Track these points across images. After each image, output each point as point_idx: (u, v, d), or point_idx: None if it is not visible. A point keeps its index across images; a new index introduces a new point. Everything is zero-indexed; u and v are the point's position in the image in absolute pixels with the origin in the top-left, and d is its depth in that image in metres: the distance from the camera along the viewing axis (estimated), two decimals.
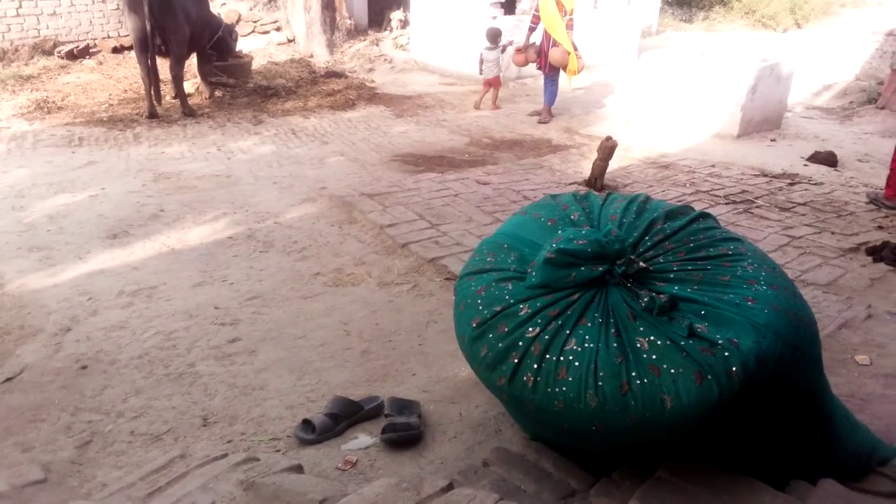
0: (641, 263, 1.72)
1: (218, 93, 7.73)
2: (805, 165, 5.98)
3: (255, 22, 10.43)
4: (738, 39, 12.85)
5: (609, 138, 5.01)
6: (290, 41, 10.24)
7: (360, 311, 3.34)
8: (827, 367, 2.26)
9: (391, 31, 10.96)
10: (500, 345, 1.71)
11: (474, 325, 1.78)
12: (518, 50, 7.53)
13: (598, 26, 10.31)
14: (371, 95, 8.36)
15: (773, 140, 6.82)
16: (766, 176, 5.60)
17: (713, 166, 5.82)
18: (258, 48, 9.93)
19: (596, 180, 5.04)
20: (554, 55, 7.20)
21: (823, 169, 5.89)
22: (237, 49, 8.36)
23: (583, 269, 1.72)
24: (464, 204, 4.69)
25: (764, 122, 7.01)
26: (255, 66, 8.80)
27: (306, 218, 4.50)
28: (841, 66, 10.11)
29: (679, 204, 2.06)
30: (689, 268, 1.79)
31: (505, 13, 9.03)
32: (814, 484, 1.79)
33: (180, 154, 5.86)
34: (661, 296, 1.64)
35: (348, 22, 10.58)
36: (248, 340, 3.07)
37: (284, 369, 2.85)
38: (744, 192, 5.16)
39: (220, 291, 3.53)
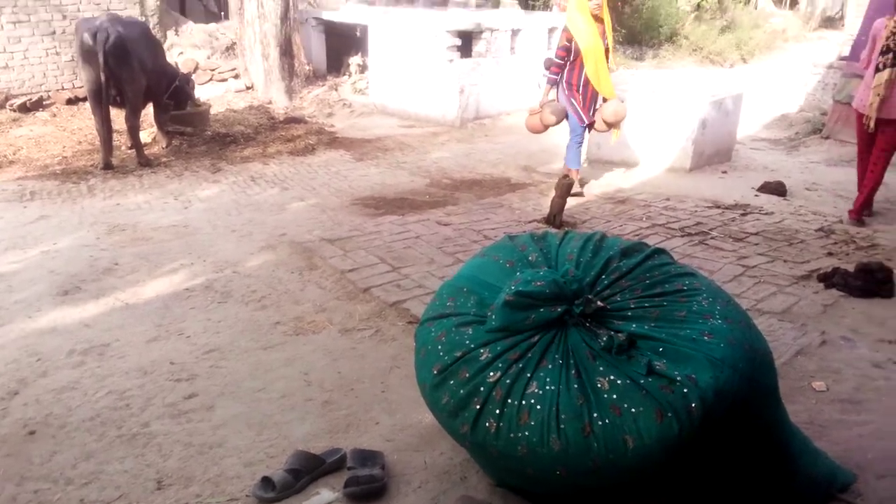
0: (599, 303, 1.73)
1: (175, 142, 7.67)
2: (756, 196, 6.14)
3: (213, 70, 10.43)
4: (687, 75, 13.26)
5: (566, 176, 5.09)
6: (248, 88, 10.25)
7: (321, 360, 3.28)
8: (785, 394, 2.29)
9: (350, 75, 11.06)
10: (462, 391, 1.69)
11: (435, 371, 1.76)
12: (532, 111, 5.91)
13: None
14: (331, 140, 8.37)
15: (724, 172, 7.00)
16: (719, 207, 5.73)
17: (668, 199, 5.93)
18: (216, 96, 9.92)
19: (555, 217, 5.09)
20: (611, 111, 5.66)
21: (773, 198, 6.05)
22: (196, 97, 8.34)
23: (542, 310, 1.72)
24: (425, 246, 4.69)
25: (715, 155, 7.20)
26: (213, 113, 8.77)
27: (266, 266, 4.44)
28: (786, 99, 10.50)
29: (634, 241, 2.08)
30: (646, 304, 1.80)
31: (461, 56, 9.20)
32: None
33: (136, 205, 5.76)
34: (620, 334, 1.65)
35: (307, 68, 10.65)
36: (205, 396, 2.98)
37: (243, 424, 2.77)
38: (698, 224, 5.26)
39: (177, 346, 3.44)
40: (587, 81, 5.66)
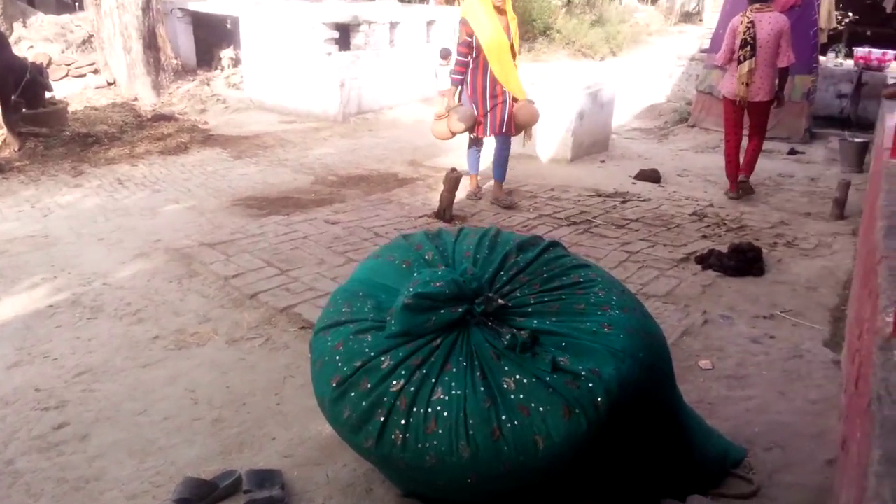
0: (500, 300, 1.68)
1: (29, 143, 7.00)
2: (633, 183, 6.39)
3: (69, 65, 9.64)
4: (562, 68, 13.69)
5: (454, 169, 5.07)
6: (110, 84, 9.56)
7: (207, 375, 3.07)
8: (676, 376, 2.36)
9: (222, 69, 10.57)
10: (364, 403, 1.60)
11: (334, 384, 1.66)
12: (438, 116, 5.38)
13: (432, 59, 10.56)
14: (205, 138, 7.95)
15: (602, 161, 7.26)
16: (600, 196, 5.92)
17: (552, 190, 6.07)
18: (74, 93, 9.17)
19: (444, 211, 5.07)
20: (524, 114, 5.32)
21: (649, 185, 6.33)
22: (51, 94, 7.66)
23: (442, 311, 1.66)
24: (314, 246, 4.53)
25: (593, 146, 7.45)
26: (71, 111, 8.10)
27: (140, 275, 4.12)
28: (654, 90, 11.06)
29: (529, 235, 2.06)
30: (546, 299, 1.78)
31: (340, 49, 9.00)
32: (682, 501, 1.83)
33: None
34: (523, 332, 1.61)
35: (175, 62, 10.07)
36: (77, 424, 2.71)
37: (123, 453, 2.54)
38: (582, 212, 5.41)
39: (42, 370, 3.11)
40: (494, 81, 5.19)
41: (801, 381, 2.92)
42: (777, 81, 5.69)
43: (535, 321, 1.70)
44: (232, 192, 5.93)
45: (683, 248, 4.60)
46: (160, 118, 8.43)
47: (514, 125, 5.41)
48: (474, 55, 5.13)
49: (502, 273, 1.83)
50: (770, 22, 5.53)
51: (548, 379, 1.54)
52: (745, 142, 5.96)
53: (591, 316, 1.72)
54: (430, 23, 10.45)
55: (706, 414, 2.61)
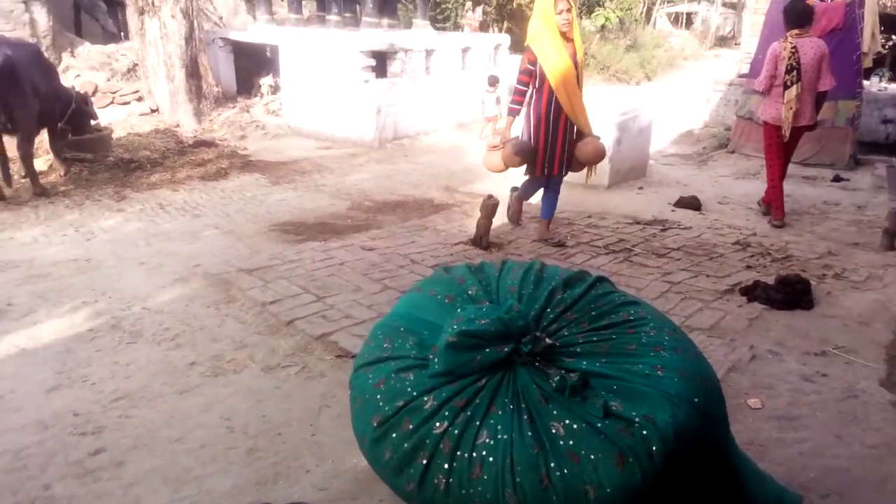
0: (548, 340, 1.62)
1: (74, 169, 7.18)
2: (672, 211, 6.28)
3: (114, 93, 9.91)
4: (597, 93, 13.64)
5: (490, 196, 5.03)
6: (153, 111, 9.79)
7: (243, 403, 3.05)
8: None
9: (262, 97, 10.76)
10: (406, 445, 1.55)
11: (375, 424, 1.61)
12: (490, 147, 5.14)
13: (467, 86, 10.61)
14: (244, 163, 8.06)
15: (640, 188, 7.16)
16: (639, 223, 5.82)
17: (590, 217, 5.99)
18: (119, 120, 9.40)
19: (481, 238, 5.03)
20: (590, 150, 4.99)
21: (689, 213, 6.21)
22: (96, 121, 7.86)
23: (488, 350, 1.60)
24: (350, 273, 4.51)
25: (630, 172, 7.36)
26: (115, 138, 8.30)
27: (179, 300, 4.15)
28: (691, 115, 10.94)
29: (575, 269, 2.00)
30: (595, 339, 1.71)
31: (377, 76, 9.09)
32: None
33: (32, 238, 5.31)
34: (572, 374, 1.55)
35: (216, 89, 10.28)
36: (114, 450, 2.70)
37: (159, 481, 2.52)
38: (621, 240, 5.32)
39: (81, 394, 3.12)
40: (559, 113, 4.82)
41: (858, 424, 2.78)
42: (816, 107, 5.77)
43: (585, 362, 1.63)
44: (270, 218, 5.97)
45: (727, 279, 4.48)
46: (201, 144, 8.58)
47: (576, 162, 5.09)
48: (537, 85, 4.78)
49: (549, 310, 1.77)
50: (812, 47, 5.56)
51: (599, 425, 1.47)
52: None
53: (643, 357, 1.65)
54: (464, 50, 10.52)
55: (757, 457, 2.50)
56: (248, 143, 9.12)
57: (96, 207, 6.18)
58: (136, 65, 10.07)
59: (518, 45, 15.19)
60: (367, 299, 4.08)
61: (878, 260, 4.88)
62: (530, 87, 4.83)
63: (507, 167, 5.11)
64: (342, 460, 2.63)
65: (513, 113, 4.96)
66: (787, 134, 5.69)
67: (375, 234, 5.46)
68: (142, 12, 9.16)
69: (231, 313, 3.97)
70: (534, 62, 4.74)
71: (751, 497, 2.04)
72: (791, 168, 7.93)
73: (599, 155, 5.07)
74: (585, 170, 5.27)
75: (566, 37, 4.68)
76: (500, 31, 15.43)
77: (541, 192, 5.36)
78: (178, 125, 9.38)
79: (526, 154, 4.93)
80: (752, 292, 4.15)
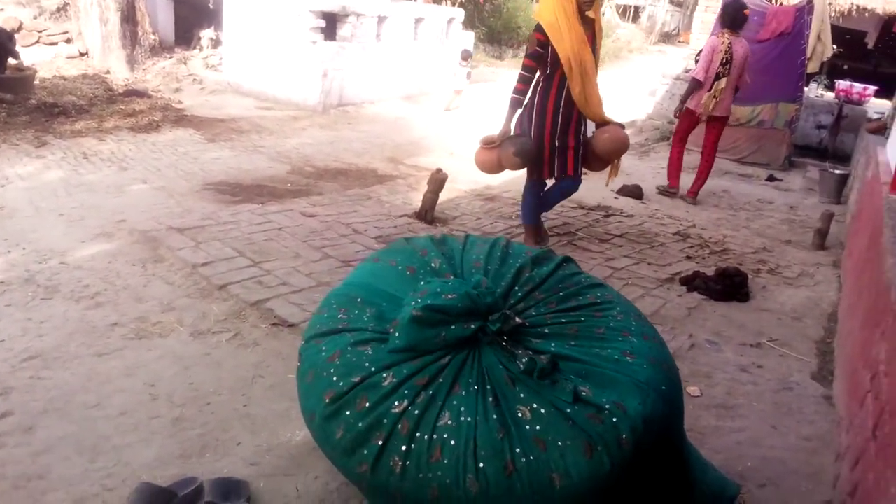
0: (517, 319, 1.53)
1: None
2: (615, 198, 6.31)
3: (41, 32, 9.21)
4: None
5: (439, 170, 4.91)
6: (82, 55, 9.16)
7: (169, 369, 2.85)
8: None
9: (201, 49, 10.24)
10: (361, 424, 1.43)
11: (327, 399, 1.48)
12: (485, 144, 4.31)
13: (418, 57, 10.40)
14: (179, 117, 7.64)
15: (584, 173, 7.14)
16: (583, 208, 5.81)
17: None
18: (44, 61, 8.76)
19: (427, 213, 4.91)
20: (611, 140, 4.31)
21: (632, 201, 6.25)
22: (19, 57, 7.27)
23: (453, 327, 1.49)
24: (289, 238, 4.32)
25: None
26: (39, 80, 7.72)
27: (101, 256, 3.86)
28: (634, 106, 11.05)
29: (540, 248, 1.91)
30: (563, 320, 1.63)
31: (325, 38, 8.77)
32: None
33: None
34: (542, 356, 1.46)
35: (152, 37, 9.71)
36: (22, 414, 2.47)
37: (72, 449, 2.31)
38: (565, 224, 5.30)
39: None
40: (570, 106, 4.13)
41: (793, 416, 2.83)
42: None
43: (553, 344, 1.54)
44: (204, 176, 5.67)
45: (668, 268, 4.51)
46: (132, 94, 8.09)
47: (595, 157, 4.42)
48: (548, 71, 4.05)
49: (517, 288, 1.68)
50: (742, 47, 5.96)
51: (568, 410, 1.39)
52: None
53: (611, 342, 1.58)
54: (418, 20, 10.28)
55: (697, 443, 2.49)
56: (184, 97, 8.66)
57: (13, 152, 5.72)
58: (66, 4, 9.39)
59: (471, 22, 15.03)
60: (307, 267, 3.91)
61: (809, 258, 5.03)
62: (537, 73, 4.11)
63: (503, 169, 4.34)
64: (276, 434, 2.48)
65: (515, 104, 4.15)
66: (703, 118, 6.18)
67: (316, 200, 5.25)
68: None
69: (158, 273, 3.72)
70: (544, 44, 3.98)
71: (698, 486, 2.03)
72: (729, 165, 8.16)
73: (620, 145, 4.33)
74: (609, 169, 4.61)
75: (585, 16, 4.00)
76: (455, 5, 15.21)
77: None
78: (108, 72, 8.82)
79: (528, 155, 4.15)
80: (692, 282, 4.19)
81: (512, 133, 4.25)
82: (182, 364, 2.90)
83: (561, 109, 4.13)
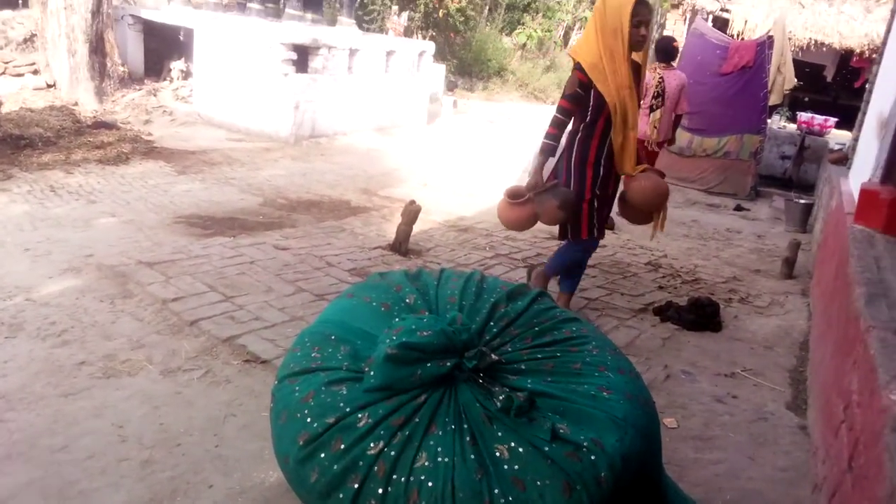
0: (493, 356, 1.52)
1: None
2: None
3: (7, 63, 9.09)
4: (516, 109, 13.83)
5: (413, 202, 4.91)
6: (50, 86, 9.04)
7: (138, 409, 2.78)
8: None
9: (171, 81, 10.18)
10: (336, 466, 1.40)
11: (301, 442, 1.45)
12: (512, 197, 3.76)
13: (389, 90, 10.47)
14: (148, 149, 7.57)
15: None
16: (555, 239, 5.84)
17: (508, 229, 5.97)
18: (10, 93, 8.62)
19: (401, 244, 4.90)
20: (648, 190, 3.72)
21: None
22: None
23: (429, 364, 1.48)
24: (261, 272, 4.27)
25: None
26: (4, 111, 7.60)
27: (68, 292, 3.78)
28: None
29: (515, 283, 1.91)
30: (539, 356, 1.63)
31: (297, 70, 8.79)
32: None
33: None
34: (519, 393, 1.45)
35: (121, 69, 9.64)
36: None
37: (38, 495, 2.23)
38: (539, 254, 5.32)
39: None
40: (611, 158, 3.67)
41: (769, 447, 2.84)
42: (672, 126, 6.62)
43: (530, 381, 1.53)
44: (174, 209, 5.60)
45: (641, 298, 4.55)
46: (101, 126, 8.00)
47: (632, 209, 3.90)
48: (590, 117, 3.57)
49: (492, 324, 1.67)
50: (675, 78, 6.35)
51: (546, 449, 1.38)
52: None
53: (588, 377, 1.57)
54: (389, 53, 10.38)
55: (676, 477, 2.49)
56: (154, 129, 8.59)
57: None
58: (34, 35, 9.30)
59: (442, 55, 15.22)
60: (280, 301, 3.86)
61: (778, 287, 5.11)
62: (575, 117, 3.64)
63: (537, 223, 3.77)
64: (248, 475, 2.42)
65: (547, 151, 3.62)
66: (653, 147, 6.46)
67: (289, 232, 5.22)
68: None
69: (127, 309, 3.65)
70: (586, 86, 3.52)
71: None
72: (697, 195, 8.31)
73: (663, 194, 3.78)
74: (654, 223, 3.98)
75: (632, 56, 3.57)
76: (425, 38, 15.40)
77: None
78: (76, 103, 8.71)
79: (568, 208, 3.62)
80: (665, 312, 4.23)
81: (543, 183, 3.69)
82: (152, 404, 2.83)
83: (603, 162, 3.65)
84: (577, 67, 3.58)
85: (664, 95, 6.31)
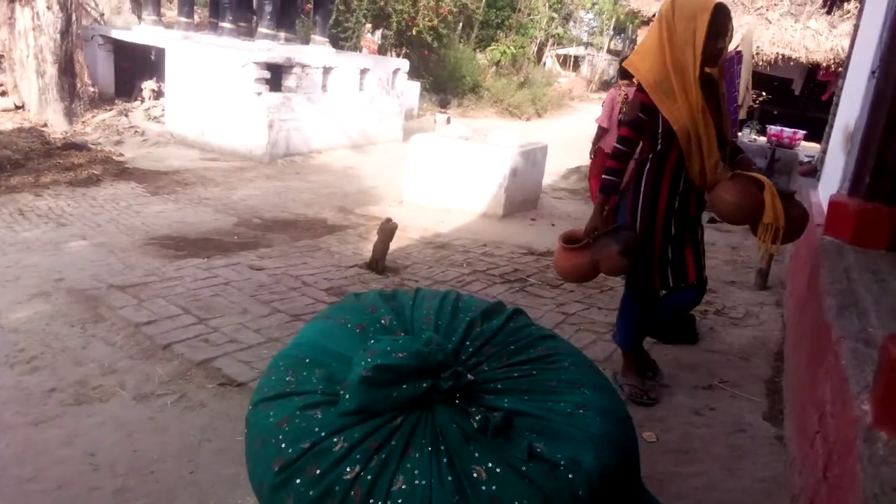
0: (470, 376, 1.51)
1: None
2: None
3: None
4: (490, 125, 13.89)
5: (389, 220, 4.91)
6: (18, 108, 8.93)
7: (111, 436, 2.72)
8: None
9: (143, 101, 10.11)
10: (312, 492, 1.37)
11: (276, 468, 1.42)
12: (568, 242, 3.17)
13: (364, 107, 10.49)
14: (120, 171, 7.49)
15: (533, 219, 7.27)
16: (533, 254, 5.88)
17: (485, 245, 5.99)
18: None
19: (377, 262, 4.88)
20: (729, 204, 2.97)
21: None
22: None
23: (405, 386, 1.46)
24: (236, 293, 4.22)
25: (524, 203, 7.47)
26: None
27: (37, 318, 3.71)
28: (578, 152, 11.33)
29: (492, 301, 1.91)
30: (516, 374, 1.62)
31: (271, 89, 8.77)
32: None
33: None
34: (495, 413, 1.44)
35: (91, 89, 9.55)
36: None
37: None
38: (516, 270, 5.34)
39: None
40: (689, 190, 3.08)
41: (747, 458, 2.85)
42: None
43: (507, 400, 1.53)
44: (146, 231, 5.54)
45: (617, 312, 4.56)
46: (71, 147, 7.91)
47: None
48: (659, 147, 3.03)
49: (468, 343, 1.67)
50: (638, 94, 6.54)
51: (523, 468, 1.37)
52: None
53: (564, 395, 1.57)
54: (363, 71, 10.41)
55: (656, 491, 2.49)
56: (125, 150, 8.51)
57: None
58: (1, 56, 9.19)
59: (416, 72, 15.30)
60: (255, 323, 3.82)
61: (753, 298, 5.16)
62: (638, 148, 3.11)
63: (598, 274, 3.17)
64: (224, 501, 2.38)
65: (610, 189, 3.07)
66: None
67: (264, 252, 5.18)
68: (12, 0, 8.39)
69: (99, 334, 3.58)
70: (651, 111, 2.98)
71: None
72: None
73: (748, 208, 2.96)
74: (763, 248, 3.12)
75: (704, 73, 2.93)
76: (399, 56, 15.48)
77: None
78: (45, 125, 8.61)
79: (637, 255, 3.06)
80: None
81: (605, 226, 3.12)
82: (125, 430, 2.77)
83: (678, 198, 3.07)
84: (639, 88, 3.05)
85: None
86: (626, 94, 6.51)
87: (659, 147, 3.04)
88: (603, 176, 3.09)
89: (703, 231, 3.31)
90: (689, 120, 2.92)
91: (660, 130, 3.02)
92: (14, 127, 8.33)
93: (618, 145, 3.06)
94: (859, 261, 3.00)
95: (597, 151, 6.87)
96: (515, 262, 5.54)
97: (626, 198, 3.18)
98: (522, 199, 7.42)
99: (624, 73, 6.61)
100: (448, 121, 11.20)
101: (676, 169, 3.04)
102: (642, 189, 3.09)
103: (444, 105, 11.31)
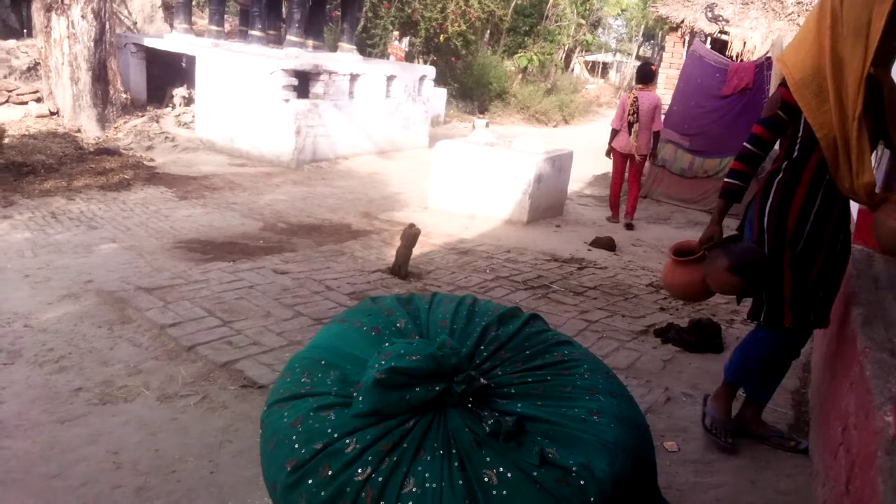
0: (483, 380, 1.51)
1: None
2: (589, 250, 6.37)
3: (11, 91, 9.21)
4: (517, 132, 13.88)
5: (412, 226, 4.92)
6: (53, 114, 9.15)
7: (134, 435, 2.77)
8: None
9: (174, 107, 10.29)
10: (324, 493, 1.38)
11: (289, 468, 1.43)
12: (678, 254, 2.86)
13: (390, 114, 10.55)
14: (150, 175, 7.63)
15: (557, 226, 7.24)
16: (556, 261, 5.85)
17: (509, 252, 5.98)
18: (13, 120, 8.73)
19: (400, 268, 4.90)
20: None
21: (605, 253, 6.31)
22: None
23: (418, 389, 1.47)
24: (260, 297, 4.27)
25: (549, 210, 7.45)
26: (7, 139, 7.68)
27: (66, 318, 3.79)
28: (605, 159, 11.26)
29: (509, 306, 1.91)
30: (530, 379, 1.62)
31: (298, 96, 8.87)
32: None
33: None
34: (508, 418, 1.44)
35: (124, 96, 9.75)
36: None
37: None
38: (539, 276, 5.31)
39: None
40: (833, 201, 2.58)
41: (771, 470, 2.80)
42: (651, 141, 7.38)
43: (520, 405, 1.52)
44: (175, 234, 5.63)
45: (642, 320, 4.53)
46: (103, 152, 8.08)
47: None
48: (796, 154, 2.57)
49: (482, 348, 1.66)
50: (649, 99, 7.20)
51: (535, 474, 1.36)
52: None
53: (578, 401, 1.56)
54: (390, 78, 10.47)
55: (675, 502, 2.47)
56: (156, 155, 8.66)
57: None
58: (37, 63, 9.44)
59: (443, 79, 15.36)
60: (278, 326, 3.86)
61: None
62: (769, 150, 2.70)
63: (712, 293, 2.83)
64: (243, 502, 2.40)
65: (732, 194, 2.72)
66: (637, 156, 7.36)
67: (289, 257, 5.23)
68: (49, 9, 8.60)
69: (125, 335, 3.65)
70: (792, 110, 2.54)
71: None
72: (698, 216, 8.31)
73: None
74: None
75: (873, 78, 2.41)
76: (426, 62, 15.55)
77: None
78: (79, 130, 8.81)
79: (753, 274, 2.58)
80: (666, 334, 4.20)
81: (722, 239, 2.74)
82: (148, 430, 2.82)
83: (814, 213, 2.57)
84: (783, 83, 2.57)
85: (638, 113, 7.19)
86: (636, 97, 7.15)
87: (796, 154, 2.57)
88: (725, 179, 2.73)
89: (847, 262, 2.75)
90: (838, 128, 2.38)
91: (799, 135, 2.56)
92: (48, 132, 8.53)
93: (747, 145, 2.64)
94: (889, 269, 2.94)
95: (610, 152, 7.61)
96: (539, 269, 5.52)
97: (753, 205, 2.73)
98: (547, 205, 7.39)
99: (640, 78, 7.35)
100: (487, 125, 11.65)
101: (815, 180, 2.55)
102: (773, 197, 2.60)
103: (481, 111, 11.80)
